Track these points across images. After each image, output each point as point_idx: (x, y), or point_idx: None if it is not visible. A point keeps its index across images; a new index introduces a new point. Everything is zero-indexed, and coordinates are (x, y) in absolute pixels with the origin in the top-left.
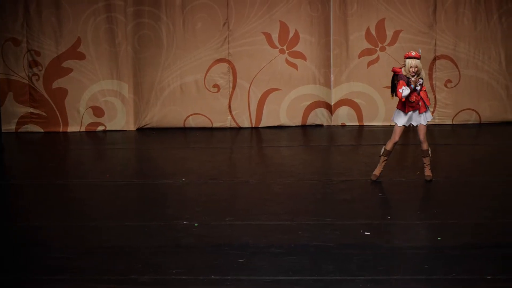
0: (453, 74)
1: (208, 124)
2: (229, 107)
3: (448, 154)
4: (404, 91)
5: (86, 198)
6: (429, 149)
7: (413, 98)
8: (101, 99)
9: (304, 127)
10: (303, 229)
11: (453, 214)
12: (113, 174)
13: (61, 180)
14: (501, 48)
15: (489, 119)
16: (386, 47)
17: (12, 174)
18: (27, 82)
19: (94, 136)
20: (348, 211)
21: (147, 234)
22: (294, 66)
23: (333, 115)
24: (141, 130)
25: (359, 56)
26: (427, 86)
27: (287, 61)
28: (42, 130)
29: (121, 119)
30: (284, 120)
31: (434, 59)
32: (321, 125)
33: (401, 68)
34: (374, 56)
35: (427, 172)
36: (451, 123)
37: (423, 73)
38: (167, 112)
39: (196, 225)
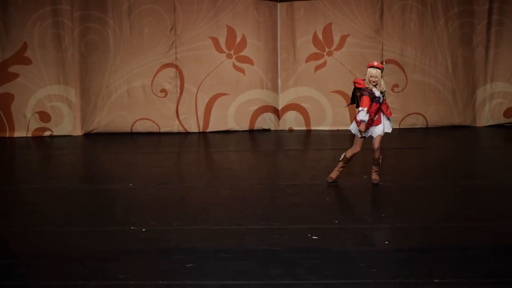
0: (400, 79)
1: (156, 129)
2: (177, 112)
3: (395, 158)
4: (360, 115)
5: (33, 203)
6: (380, 157)
7: (373, 109)
8: (47, 104)
9: (251, 132)
10: (251, 234)
11: (400, 217)
12: (60, 180)
13: (8, 186)
14: (448, 52)
15: (435, 123)
16: (333, 51)
17: None
18: None
19: (41, 141)
20: (296, 215)
21: (95, 239)
22: (242, 70)
23: (281, 119)
24: (88, 135)
25: (306, 61)
26: None
27: (234, 66)
28: None
29: (68, 124)
30: (231, 125)
31: (382, 63)
32: (268, 130)
33: (364, 79)
34: (321, 61)
35: (374, 176)
36: (398, 127)
37: (383, 84)
38: (114, 117)
39: (144, 230)
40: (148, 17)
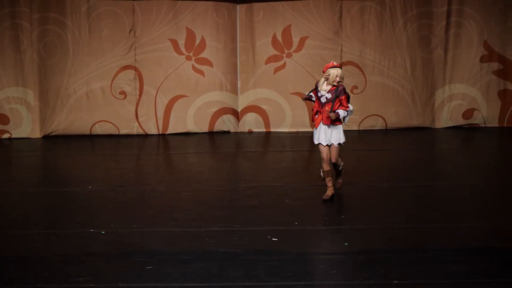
0: (359, 80)
1: (115, 131)
2: (136, 114)
3: (354, 159)
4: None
5: None
6: (342, 164)
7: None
8: (6, 106)
9: (211, 134)
10: (211, 236)
11: (359, 219)
12: (19, 182)
13: None
14: (406, 54)
15: (395, 124)
16: (293, 53)
17: None
18: None
19: None
20: (255, 217)
21: (54, 242)
22: (201, 72)
23: (240, 121)
24: (47, 137)
25: (266, 63)
26: None
27: (193, 68)
28: None
29: (26, 127)
30: (191, 127)
31: (340, 65)
32: (228, 132)
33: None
34: (281, 63)
35: (338, 179)
36: (357, 129)
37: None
38: (73, 119)
39: (103, 232)
40: (107, 19)
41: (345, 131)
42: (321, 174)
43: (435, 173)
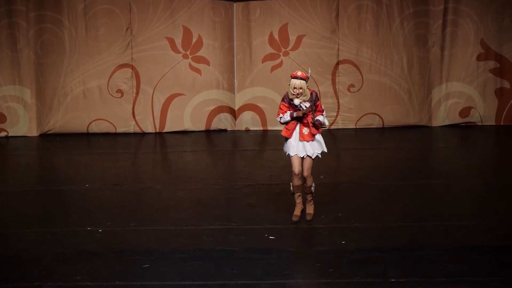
0: (356, 79)
1: (112, 130)
2: (133, 112)
3: (351, 158)
4: (282, 118)
5: None
6: (313, 185)
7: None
8: (3, 105)
9: (208, 132)
10: (207, 234)
11: (356, 217)
12: (15, 181)
13: None
14: (403, 52)
15: (391, 123)
16: (289, 52)
17: None
18: None
19: None
20: (252, 215)
21: (51, 241)
22: (198, 71)
23: (237, 120)
24: (44, 136)
25: (263, 61)
26: (330, 90)
27: (190, 66)
28: None
29: (23, 125)
30: (188, 125)
31: (337, 63)
32: (225, 130)
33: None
34: (278, 61)
35: (309, 209)
36: (354, 127)
37: (309, 95)
38: (70, 117)
39: (100, 231)
40: (104, 18)
41: (342, 130)
42: (291, 188)
43: (432, 172)
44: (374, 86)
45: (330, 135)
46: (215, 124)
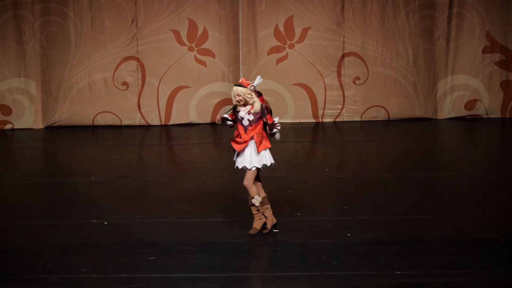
0: (361, 71)
1: (117, 122)
2: (138, 105)
3: (357, 150)
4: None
5: None
6: (257, 198)
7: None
8: (8, 97)
9: (213, 125)
10: (213, 227)
11: (362, 210)
12: (21, 173)
13: None
14: (409, 45)
15: (397, 115)
16: (295, 44)
17: None
18: None
19: (1, 135)
20: None
21: (56, 233)
22: (203, 63)
23: None
24: (49, 128)
25: (268, 54)
26: (335, 83)
27: (196, 59)
28: None
29: (29, 117)
30: (193, 118)
31: (343, 56)
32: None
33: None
34: (283, 54)
35: (255, 223)
36: (359, 119)
37: (257, 106)
38: (75, 110)
39: (105, 223)
40: (109, 10)
41: (347, 122)
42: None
43: (437, 164)
44: (379, 79)
45: (336, 128)
46: None
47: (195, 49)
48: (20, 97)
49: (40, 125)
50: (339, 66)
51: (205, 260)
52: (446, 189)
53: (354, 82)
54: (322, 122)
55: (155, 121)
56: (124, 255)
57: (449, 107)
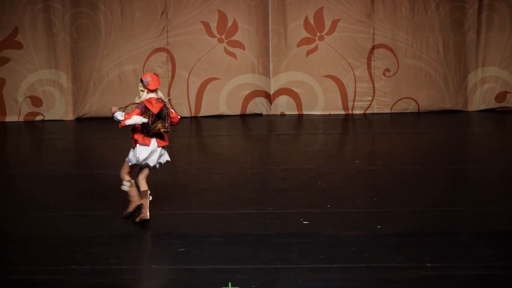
0: (391, 63)
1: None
2: (168, 96)
3: (387, 142)
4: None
5: (25, 188)
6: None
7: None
8: (39, 88)
9: (243, 116)
10: (242, 218)
11: (392, 202)
12: (52, 164)
13: None
14: (439, 37)
15: (427, 107)
16: (325, 36)
17: None
18: None
19: (32, 126)
20: (287, 200)
21: (87, 224)
22: (233, 55)
23: (272, 104)
24: (80, 119)
25: (298, 45)
26: (365, 75)
27: (225, 50)
28: None
29: (59, 109)
30: (223, 109)
31: (373, 48)
32: (260, 114)
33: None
34: (313, 45)
35: (144, 213)
36: (389, 111)
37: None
38: (106, 101)
39: (136, 214)
40: (139, 2)
41: (377, 114)
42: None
43: (467, 156)
44: (409, 71)
45: (366, 120)
46: (251, 108)
47: (225, 40)
48: (50, 89)
49: (70, 117)
50: (369, 58)
51: (234, 252)
52: (476, 181)
53: (384, 74)
54: (352, 114)
55: (185, 112)
56: (154, 247)
57: (479, 99)
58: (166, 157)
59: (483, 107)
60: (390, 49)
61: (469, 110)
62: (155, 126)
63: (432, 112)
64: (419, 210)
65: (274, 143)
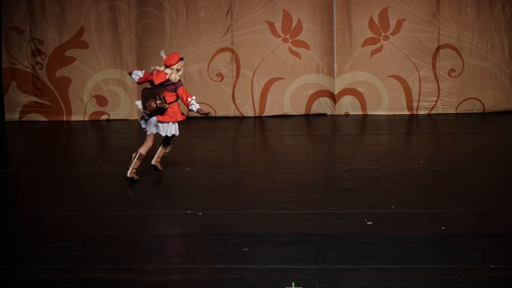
0: (456, 63)
1: (212, 113)
2: (233, 96)
3: (452, 143)
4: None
5: (90, 187)
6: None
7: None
8: (104, 88)
9: (307, 116)
10: (307, 218)
11: (457, 203)
12: (116, 163)
13: (65, 169)
14: (505, 37)
15: (492, 108)
16: (390, 36)
17: (15, 163)
18: (30, 71)
19: (97, 125)
20: (351, 200)
21: (151, 223)
22: (297, 55)
23: (337, 104)
24: None
25: (363, 45)
26: (430, 75)
27: (290, 50)
28: (46, 119)
29: (124, 108)
30: (287, 109)
31: (438, 48)
32: (324, 114)
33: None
34: (378, 45)
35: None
36: (454, 112)
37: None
38: None
39: (200, 214)
40: (204, 1)
41: (442, 115)
42: (137, 155)
43: None
44: (475, 71)
45: (431, 120)
46: (315, 108)
47: (290, 40)
48: (116, 88)
49: (135, 116)
50: (434, 58)
51: (298, 252)
52: None
53: (449, 74)
54: (417, 114)
55: (249, 112)
56: (218, 246)
57: None
58: (170, 131)
59: None
60: (455, 49)
61: None
62: (149, 105)
63: (497, 112)
64: (484, 211)
65: (338, 143)
